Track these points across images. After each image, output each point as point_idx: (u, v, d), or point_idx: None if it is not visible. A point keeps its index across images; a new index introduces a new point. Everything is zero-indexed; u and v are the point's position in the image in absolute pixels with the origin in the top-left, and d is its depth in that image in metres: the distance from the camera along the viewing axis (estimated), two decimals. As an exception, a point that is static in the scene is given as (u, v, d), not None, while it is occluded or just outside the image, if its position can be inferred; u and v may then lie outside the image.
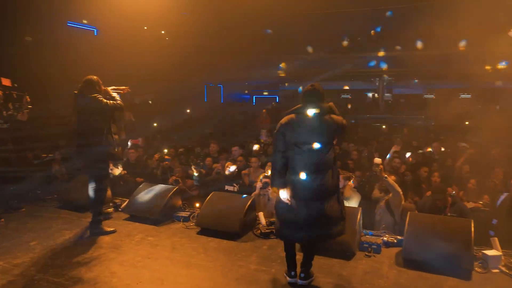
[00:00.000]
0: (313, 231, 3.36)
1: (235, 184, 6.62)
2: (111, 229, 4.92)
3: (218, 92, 18.93)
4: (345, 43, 16.95)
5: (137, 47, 17.95)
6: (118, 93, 5.01)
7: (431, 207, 4.83)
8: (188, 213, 5.45)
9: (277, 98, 22.44)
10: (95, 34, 18.70)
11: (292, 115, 3.40)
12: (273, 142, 3.51)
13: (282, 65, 17.25)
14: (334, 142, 3.50)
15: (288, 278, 3.62)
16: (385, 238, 4.54)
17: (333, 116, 3.38)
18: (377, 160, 5.22)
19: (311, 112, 3.33)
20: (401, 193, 5.19)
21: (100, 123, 4.70)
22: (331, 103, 3.45)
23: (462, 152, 8.29)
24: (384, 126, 12.22)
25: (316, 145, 3.31)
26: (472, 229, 4.01)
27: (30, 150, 8.23)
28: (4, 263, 3.97)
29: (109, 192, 6.06)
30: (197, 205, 5.78)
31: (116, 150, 4.84)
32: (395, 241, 4.49)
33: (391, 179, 5.12)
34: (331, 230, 3.42)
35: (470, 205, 5.56)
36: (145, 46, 18.26)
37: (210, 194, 5.46)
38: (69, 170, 8.05)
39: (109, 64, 16.94)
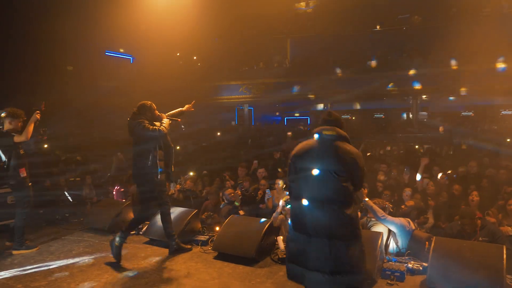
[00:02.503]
0: (318, 274, 2.84)
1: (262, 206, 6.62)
2: (188, 246, 5.04)
3: (248, 114, 19.11)
4: (373, 63, 16.66)
5: (170, 72, 18.60)
6: (173, 120, 5.02)
7: (459, 232, 4.50)
8: (207, 237, 5.39)
9: (309, 119, 22.34)
10: (131, 62, 19.64)
11: (305, 141, 3.08)
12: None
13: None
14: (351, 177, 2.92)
15: None
16: (409, 265, 4.24)
17: (350, 145, 2.97)
18: None
19: (324, 134, 2.97)
20: (387, 217, 4.77)
21: (146, 148, 4.68)
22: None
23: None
24: (417, 146, 11.78)
25: (327, 171, 2.88)
26: (504, 255, 3.69)
27: (61, 173, 8.56)
28: (22, 286, 4.05)
29: (131, 215, 6.18)
30: (217, 228, 5.72)
31: (159, 177, 4.75)
32: (421, 268, 4.20)
33: (371, 202, 4.82)
34: (342, 278, 2.83)
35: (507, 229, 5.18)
36: (178, 71, 18.91)
37: (228, 218, 5.42)
38: (99, 194, 8.29)
39: (144, 89, 17.67)
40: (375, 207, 4.83)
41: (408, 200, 6.17)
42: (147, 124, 4.65)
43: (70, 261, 4.76)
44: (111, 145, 11.98)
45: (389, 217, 4.84)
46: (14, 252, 5.10)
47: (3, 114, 5.11)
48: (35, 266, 4.61)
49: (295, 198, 3.04)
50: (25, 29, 14.57)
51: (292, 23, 20.21)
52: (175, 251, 4.96)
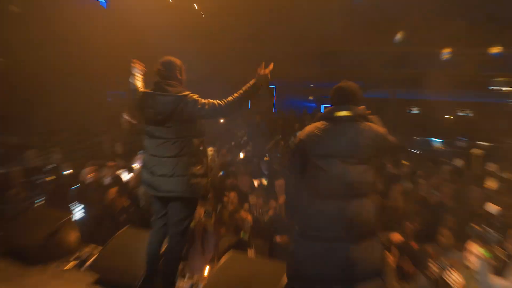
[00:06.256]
0: None
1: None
2: None
3: (269, 96, 18.87)
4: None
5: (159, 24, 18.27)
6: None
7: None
8: (189, 283, 4.48)
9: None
10: (105, 6, 19.65)
11: (317, 123, 3.22)
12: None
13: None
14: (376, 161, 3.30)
15: None
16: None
17: (370, 124, 3.21)
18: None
19: (340, 115, 3.15)
20: None
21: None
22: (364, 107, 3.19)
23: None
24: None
25: (347, 160, 3.09)
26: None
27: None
28: None
29: (74, 236, 5.61)
30: (207, 269, 4.94)
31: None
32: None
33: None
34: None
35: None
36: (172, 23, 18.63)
37: (226, 255, 4.33)
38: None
39: (122, 41, 17.25)
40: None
41: None
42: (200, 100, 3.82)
43: None
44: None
45: None
46: None
47: None
48: None
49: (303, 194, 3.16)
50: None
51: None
52: None
